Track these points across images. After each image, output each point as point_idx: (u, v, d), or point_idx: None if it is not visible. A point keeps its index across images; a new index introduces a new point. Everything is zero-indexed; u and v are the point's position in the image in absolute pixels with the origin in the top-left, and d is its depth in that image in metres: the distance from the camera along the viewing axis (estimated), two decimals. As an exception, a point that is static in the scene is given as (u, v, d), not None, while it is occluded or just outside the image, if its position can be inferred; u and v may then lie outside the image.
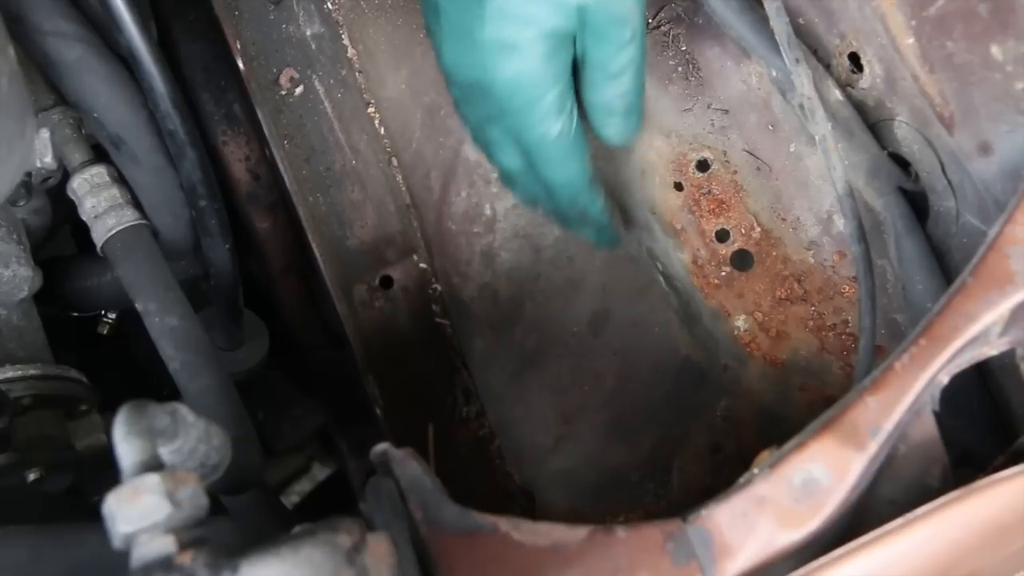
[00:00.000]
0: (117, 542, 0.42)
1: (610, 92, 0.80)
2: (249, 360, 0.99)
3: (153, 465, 0.45)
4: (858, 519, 0.53)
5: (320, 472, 1.46)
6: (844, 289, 0.92)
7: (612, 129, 0.83)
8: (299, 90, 0.92)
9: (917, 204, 0.82)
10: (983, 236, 0.60)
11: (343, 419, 1.14)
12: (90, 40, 0.78)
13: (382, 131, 0.95)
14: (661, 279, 0.99)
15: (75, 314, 0.96)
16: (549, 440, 0.96)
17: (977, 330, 0.56)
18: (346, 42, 0.94)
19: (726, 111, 0.95)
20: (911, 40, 0.75)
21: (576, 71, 0.79)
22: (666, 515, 0.52)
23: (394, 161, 0.95)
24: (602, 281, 0.99)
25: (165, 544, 0.41)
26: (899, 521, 0.51)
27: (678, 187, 0.96)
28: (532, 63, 0.75)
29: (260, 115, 0.86)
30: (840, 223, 0.91)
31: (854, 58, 0.83)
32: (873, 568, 0.51)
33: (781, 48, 0.77)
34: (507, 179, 0.90)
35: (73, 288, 0.91)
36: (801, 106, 0.78)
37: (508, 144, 0.83)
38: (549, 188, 0.85)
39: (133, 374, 1.00)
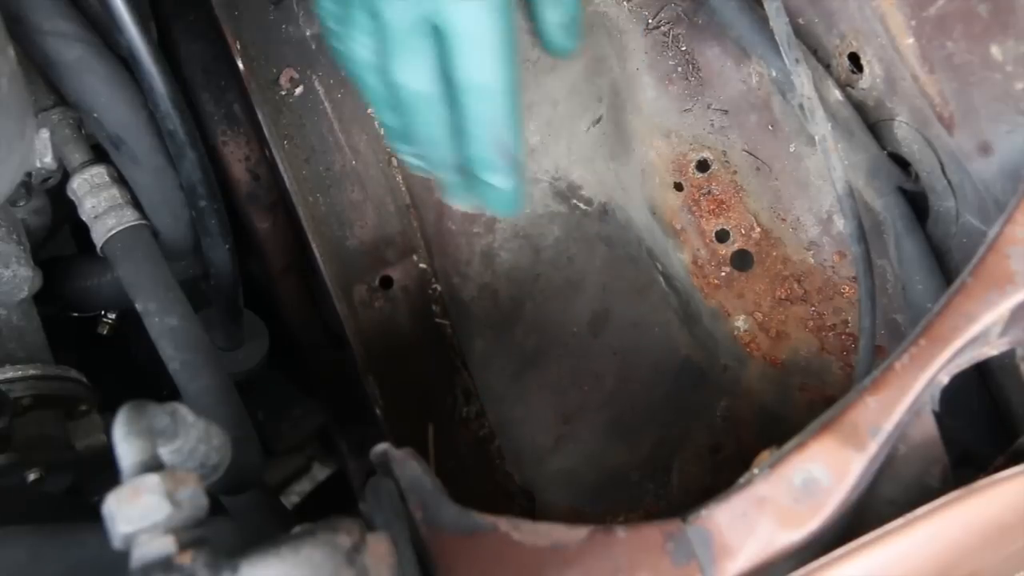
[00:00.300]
0: (117, 542, 0.42)
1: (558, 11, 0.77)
2: (249, 360, 0.99)
3: (153, 465, 0.45)
4: (858, 519, 0.53)
5: (320, 472, 1.46)
6: (844, 289, 0.92)
7: (560, 40, 0.77)
8: (299, 90, 0.92)
9: (917, 204, 0.82)
10: (983, 236, 0.60)
11: (343, 419, 1.14)
12: (90, 40, 0.78)
13: (382, 131, 0.95)
14: (661, 279, 0.99)
15: (75, 314, 0.96)
16: (549, 440, 0.96)
17: (977, 330, 0.56)
18: (346, 42, 0.94)
19: (726, 111, 0.95)
20: (911, 40, 0.75)
21: None
22: (666, 515, 0.52)
23: (394, 161, 0.95)
24: (602, 281, 0.99)
25: (165, 544, 0.41)
26: (899, 521, 0.51)
27: (678, 187, 0.96)
28: None
29: (260, 115, 0.86)
30: (840, 223, 0.91)
31: (854, 58, 0.83)
32: (873, 568, 0.51)
33: (781, 48, 0.77)
34: (398, 108, 0.71)
35: (73, 288, 0.91)
36: (801, 106, 0.78)
37: (423, 50, 0.67)
38: (471, 92, 0.68)
39: (133, 374, 1.00)
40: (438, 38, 0.67)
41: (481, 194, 0.73)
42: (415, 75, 0.69)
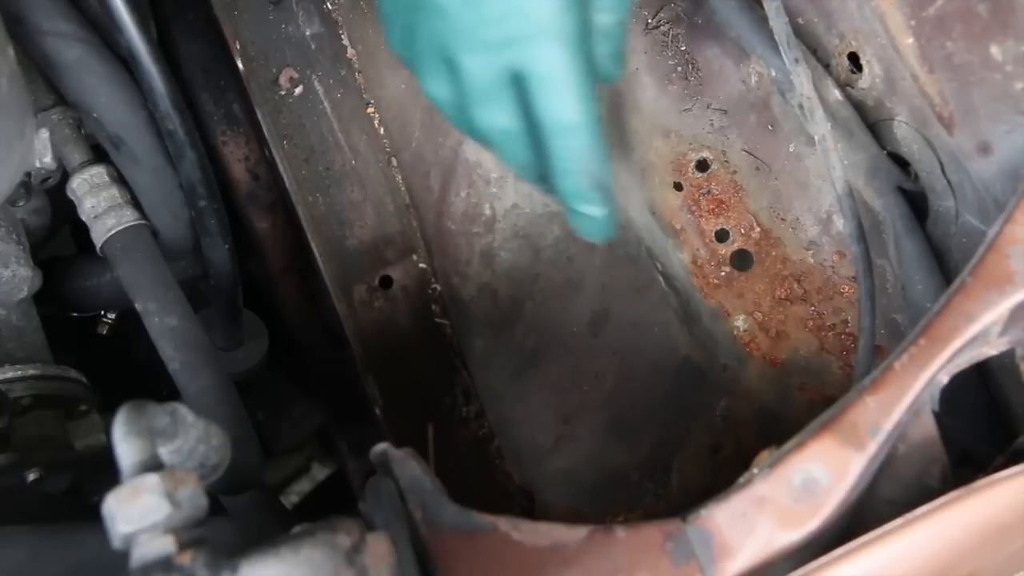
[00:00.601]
0: (117, 542, 0.42)
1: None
2: (248, 360, 0.99)
3: (153, 465, 0.45)
4: (858, 519, 0.53)
5: (320, 472, 1.45)
6: (843, 289, 0.92)
7: (609, 69, 0.73)
8: (298, 90, 0.92)
9: (916, 204, 0.82)
10: (982, 236, 0.60)
11: (343, 419, 1.14)
12: (90, 40, 0.78)
13: (381, 131, 0.95)
14: (660, 279, 0.99)
15: (75, 314, 0.96)
16: (549, 440, 0.96)
17: (977, 330, 0.56)
18: (345, 42, 0.94)
19: (725, 111, 0.95)
20: (910, 40, 0.75)
21: None
22: (666, 515, 0.52)
23: (393, 161, 0.95)
24: (602, 281, 0.99)
25: (165, 544, 0.41)
26: (899, 521, 0.51)
27: (677, 187, 0.96)
28: None
29: (259, 115, 0.86)
30: (840, 223, 0.91)
31: (853, 58, 0.83)
32: (873, 568, 0.51)
33: (780, 48, 0.77)
34: (498, 139, 0.72)
35: (73, 288, 0.91)
36: (800, 106, 0.78)
37: (506, 97, 0.68)
38: (557, 133, 0.68)
39: (132, 374, 1.00)
40: (519, 81, 0.67)
41: (574, 221, 0.74)
42: (497, 118, 0.69)
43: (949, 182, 0.78)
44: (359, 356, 0.90)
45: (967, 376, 0.60)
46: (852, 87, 0.85)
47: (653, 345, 0.98)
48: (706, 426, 0.96)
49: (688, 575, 0.50)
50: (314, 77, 0.92)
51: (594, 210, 0.72)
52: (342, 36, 0.93)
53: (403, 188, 0.95)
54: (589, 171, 0.70)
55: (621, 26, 0.71)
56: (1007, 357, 0.64)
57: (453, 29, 0.66)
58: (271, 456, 1.09)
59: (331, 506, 0.73)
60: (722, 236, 0.96)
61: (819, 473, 0.52)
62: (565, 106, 0.67)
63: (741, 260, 0.95)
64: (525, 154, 0.71)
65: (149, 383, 0.84)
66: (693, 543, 0.51)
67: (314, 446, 1.37)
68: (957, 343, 0.56)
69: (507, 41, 0.65)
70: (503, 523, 0.50)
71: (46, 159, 0.82)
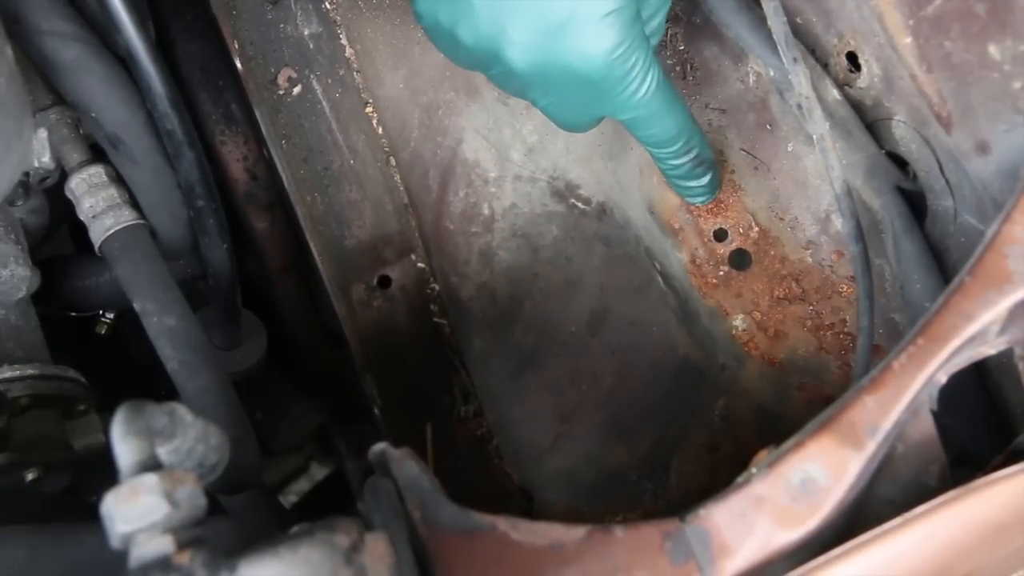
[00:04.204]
0: (115, 542, 0.42)
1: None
2: (247, 360, 0.99)
3: (151, 465, 0.45)
4: (856, 518, 0.53)
5: (318, 472, 1.45)
6: (842, 288, 0.92)
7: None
8: (297, 90, 0.92)
9: (915, 203, 0.82)
10: (981, 235, 0.60)
11: (341, 419, 1.14)
12: (88, 40, 0.78)
13: (380, 131, 0.95)
14: (659, 278, 0.99)
15: (73, 314, 0.95)
16: (547, 439, 0.96)
17: (975, 329, 0.56)
18: (344, 42, 0.94)
19: (724, 110, 0.95)
20: (909, 39, 0.75)
21: None
22: (664, 514, 0.52)
23: (392, 161, 0.95)
24: (600, 281, 0.99)
25: (163, 544, 0.41)
26: (897, 520, 0.51)
27: (676, 187, 0.96)
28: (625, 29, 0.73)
29: (258, 115, 0.86)
30: (838, 222, 0.91)
31: (852, 57, 0.83)
32: (871, 567, 0.51)
33: (779, 47, 0.77)
34: None
35: (71, 288, 0.91)
36: (799, 105, 0.78)
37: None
38: (659, 145, 0.83)
39: (131, 374, 1.00)
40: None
41: (681, 193, 0.91)
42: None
43: (947, 181, 0.78)
44: (357, 356, 0.90)
45: (965, 375, 0.60)
46: (850, 86, 0.85)
47: (652, 345, 0.98)
48: (705, 425, 0.96)
49: (687, 574, 0.50)
50: (312, 77, 0.92)
51: (700, 183, 0.88)
52: (340, 36, 0.93)
53: (401, 188, 0.95)
54: (689, 157, 0.84)
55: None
56: (1005, 356, 0.64)
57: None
58: (270, 456, 1.09)
59: (330, 506, 0.73)
60: (720, 236, 0.96)
61: (818, 472, 0.52)
62: (658, 135, 0.81)
63: (740, 259, 0.95)
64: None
65: (148, 383, 0.84)
66: (692, 542, 0.51)
67: (313, 446, 1.37)
68: (955, 342, 0.56)
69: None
70: (502, 522, 0.50)
71: (44, 159, 0.82)
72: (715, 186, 0.90)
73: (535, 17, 0.71)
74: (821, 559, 0.51)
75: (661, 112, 0.78)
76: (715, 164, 0.88)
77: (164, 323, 0.77)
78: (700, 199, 0.91)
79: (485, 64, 0.78)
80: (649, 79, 0.75)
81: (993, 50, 0.70)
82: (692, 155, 0.84)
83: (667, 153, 0.83)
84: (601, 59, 0.72)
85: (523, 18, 0.72)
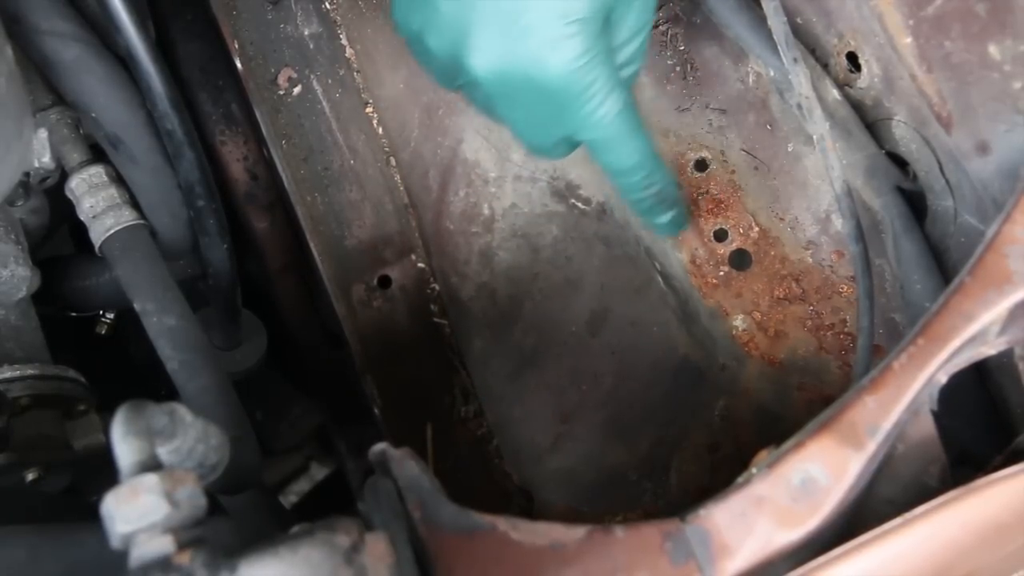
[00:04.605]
0: (115, 542, 0.42)
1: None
2: (247, 360, 0.99)
3: (151, 465, 0.45)
4: (856, 519, 0.53)
5: (318, 472, 1.45)
6: (842, 288, 0.92)
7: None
8: (297, 90, 0.92)
9: (915, 203, 0.82)
10: (981, 235, 0.60)
11: (341, 419, 1.14)
12: (88, 40, 0.78)
13: (380, 131, 0.95)
14: (659, 278, 0.99)
15: (73, 314, 0.95)
16: (547, 439, 0.96)
17: (975, 329, 0.56)
18: (344, 42, 0.94)
19: (724, 111, 0.95)
20: (909, 39, 0.75)
21: None
22: (664, 515, 0.52)
23: (392, 161, 0.95)
24: (600, 281, 0.99)
25: (163, 544, 0.41)
26: (897, 520, 0.51)
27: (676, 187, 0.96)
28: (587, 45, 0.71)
29: (258, 115, 0.86)
30: (838, 222, 0.91)
31: (852, 57, 0.83)
32: (871, 567, 0.51)
33: (779, 47, 0.77)
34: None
35: (71, 288, 0.91)
36: (799, 105, 0.78)
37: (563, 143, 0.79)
38: (619, 175, 0.81)
39: (131, 374, 1.00)
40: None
41: (648, 227, 0.92)
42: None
43: (947, 181, 0.78)
44: (358, 356, 0.90)
45: (966, 376, 0.60)
46: (850, 86, 0.85)
47: (652, 345, 0.98)
48: (705, 425, 0.96)
49: (687, 574, 0.50)
50: (313, 77, 0.92)
51: (666, 216, 0.86)
52: (340, 36, 0.93)
53: (402, 188, 0.95)
54: (652, 191, 0.82)
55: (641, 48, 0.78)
56: (1006, 356, 0.64)
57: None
58: (270, 456, 1.09)
59: (330, 506, 0.73)
60: (721, 236, 0.96)
61: (818, 473, 0.52)
62: (619, 159, 0.79)
63: (740, 260, 0.95)
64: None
65: (148, 383, 0.84)
66: (692, 542, 0.51)
67: (313, 446, 1.37)
68: (956, 343, 0.56)
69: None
70: (502, 523, 0.50)
71: (44, 159, 0.82)
72: (680, 223, 0.88)
73: (496, 24, 0.70)
74: (821, 559, 0.51)
75: (621, 138, 0.76)
76: (680, 201, 0.86)
77: (164, 323, 0.77)
78: (663, 233, 0.91)
79: (452, 75, 0.76)
80: (611, 101, 0.74)
81: (993, 50, 0.70)
82: (653, 190, 0.82)
83: (628, 184, 0.81)
84: (560, 68, 0.70)
85: (485, 24, 0.70)
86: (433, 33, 0.73)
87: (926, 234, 0.81)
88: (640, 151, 0.78)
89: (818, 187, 0.92)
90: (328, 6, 0.93)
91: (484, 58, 0.71)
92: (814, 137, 0.77)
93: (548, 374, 0.97)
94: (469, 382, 0.96)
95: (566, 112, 0.74)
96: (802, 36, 0.86)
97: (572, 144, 0.80)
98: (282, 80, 0.91)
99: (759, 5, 0.78)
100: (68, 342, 0.90)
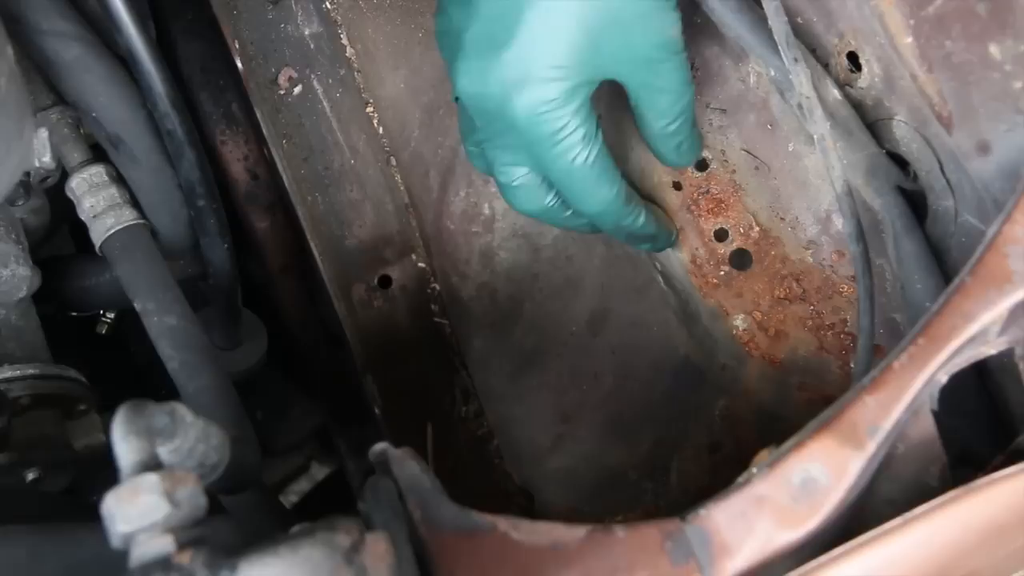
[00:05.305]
0: (116, 542, 0.42)
1: (668, 130, 0.83)
2: (247, 360, 0.99)
3: (152, 465, 0.45)
4: (857, 519, 0.53)
5: (319, 472, 1.45)
6: (843, 288, 0.92)
7: (674, 156, 0.87)
8: (297, 90, 0.92)
9: (916, 203, 0.82)
10: (982, 235, 0.60)
11: (342, 419, 1.14)
12: (88, 40, 0.79)
13: (380, 130, 0.95)
14: (660, 278, 0.99)
15: (74, 314, 0.95)
16: (548, 439, 0.96)
17: (976, 329, 0.56)
18: (345, 42, 0.94)
19: (724, 110, 0.95)
20: (909, 39, 0.75)
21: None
22: (665, 514, 0.52)
23: (393, 160, 0.95)
24: (601, 280, 0.99)
25: (164, 544, 0.41)
26: (898, 520, 0.51)
27: (676, 186, 0.96)
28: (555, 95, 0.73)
29: (258, 115, 0.86)
30: (839, 222, 0.91)
31: (852, 57, 0.83)
32: (872, 567, 0.51)
33: (779, 47, 0.77)
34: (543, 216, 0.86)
35: (72, 288, 0.91)
36: (799, 105, 0.78)
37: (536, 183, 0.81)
38: (586, 215, 0.83)
39: (131, 374, 1.00)
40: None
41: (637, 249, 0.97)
42: (531, 206, 0.83)
43: (948, 181, 0.78)
44: (358, 356, 0.90)
45: (966, 375, 0.59)
46: (851, 86, 0.84)
47: (652, 344, 0.98)
48: (705, 425, 0.96)
49: (687, 574, 0.50)
50: (313, 76, 0.92)
51: (641, 245, 0.92)
52: (341, 36, 0.93)
53: (402, 187, 0.95)
54: (627, 231, 0.85)
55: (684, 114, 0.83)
56: (1006, 356, 0.64)
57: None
58: (270, 456, 1.09)
59: (330, 506, 0.73)
60: (721, 235, 0.96)
61: (818, 473, 0.52)
62: (587, 202, 0.80)
63: (740, 259, 0.95)
64: (575, 223, 0.86)
65: (148, 383, 0.84)
66: (692, 542, 0.51)
67: (313, 446, 1.37)
68: (956, 342, 0.56)
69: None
70: (502, 522, 0.50)
71: (45, 158, 0.82)
72: (662, 246, 0.93)
73: (484, 47, 0.72)
74: (821, 559, 0.51)
75: (586, 187, 0.79)
76: (662, 231, 0.90)
77: (165, 323, 0.77)
78: (648, 251, 0.96)
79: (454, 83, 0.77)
80: (580, 151, 0.76)
81: (994, 50, 0.70)
82: (622, 233, 0.86)
83: (597, 222, 0.84)
84: (527, 109, 0.73)
85: (474, 44, 0.73)
86: (444, 42, 0.77)
87: (927, 234, 0.81)
88: (603, 202, 0.80)
89: (819, 187, 0.92)
90: (329, 6, 0.93)
91: (466, 79, 0.74)
92: (815, 137, 0.77)
93: (548, 374, 0.97)
94: (469, 382, 0.96)
95: (533, 149, 0.76)
96: (802, 36, 0.86)
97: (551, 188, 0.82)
98: (282, 80, 0.91)
99: (759, 5, 0.78)
100: (68, 342, 0.90)
